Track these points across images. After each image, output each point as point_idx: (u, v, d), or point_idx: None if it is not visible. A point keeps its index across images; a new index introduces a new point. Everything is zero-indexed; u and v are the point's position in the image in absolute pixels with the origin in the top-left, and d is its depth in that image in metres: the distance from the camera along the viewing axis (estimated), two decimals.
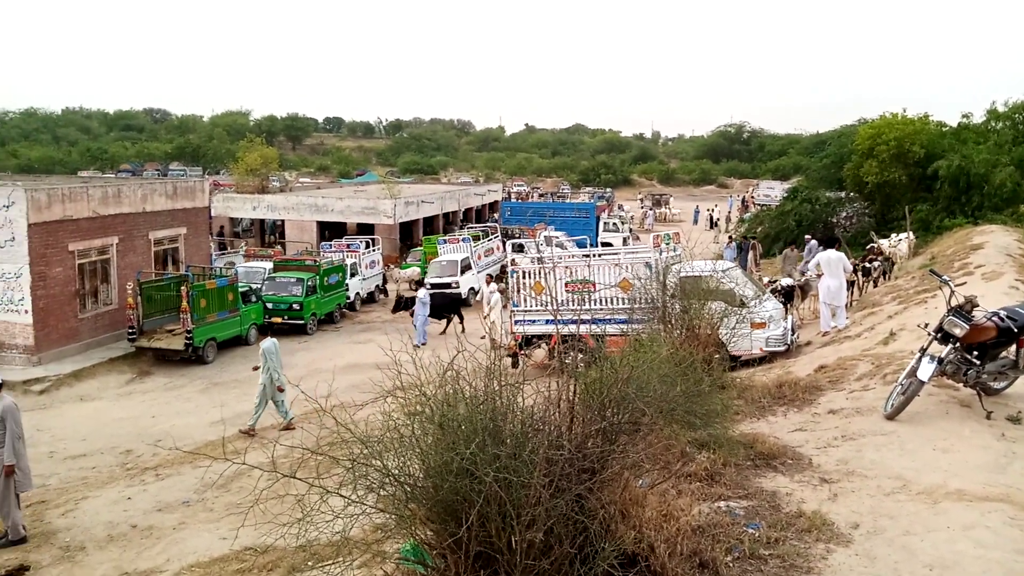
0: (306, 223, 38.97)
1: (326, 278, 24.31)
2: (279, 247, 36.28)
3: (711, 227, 51.25)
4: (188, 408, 16.21)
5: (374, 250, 30.66)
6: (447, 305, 23.12)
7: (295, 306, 22.95)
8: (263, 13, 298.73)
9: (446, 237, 33.01)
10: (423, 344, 19.88)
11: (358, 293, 27.65)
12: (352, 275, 27.04)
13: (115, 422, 15.45)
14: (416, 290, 22.67)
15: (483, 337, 19.89)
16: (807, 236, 24.34)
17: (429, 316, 21.98)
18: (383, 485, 4.34)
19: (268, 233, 42.96)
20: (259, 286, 23.12)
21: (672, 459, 6.09)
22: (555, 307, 10.83)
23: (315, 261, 25.35)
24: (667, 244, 17.59)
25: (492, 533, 3.86)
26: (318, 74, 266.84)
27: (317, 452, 4.07)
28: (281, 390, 14.16)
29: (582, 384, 4.88)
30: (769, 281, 18.95)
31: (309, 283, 23.37)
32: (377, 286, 29.70)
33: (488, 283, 22.47)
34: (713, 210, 56.87)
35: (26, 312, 18.35)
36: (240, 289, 21.27)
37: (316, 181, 68.81)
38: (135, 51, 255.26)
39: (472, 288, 27.46)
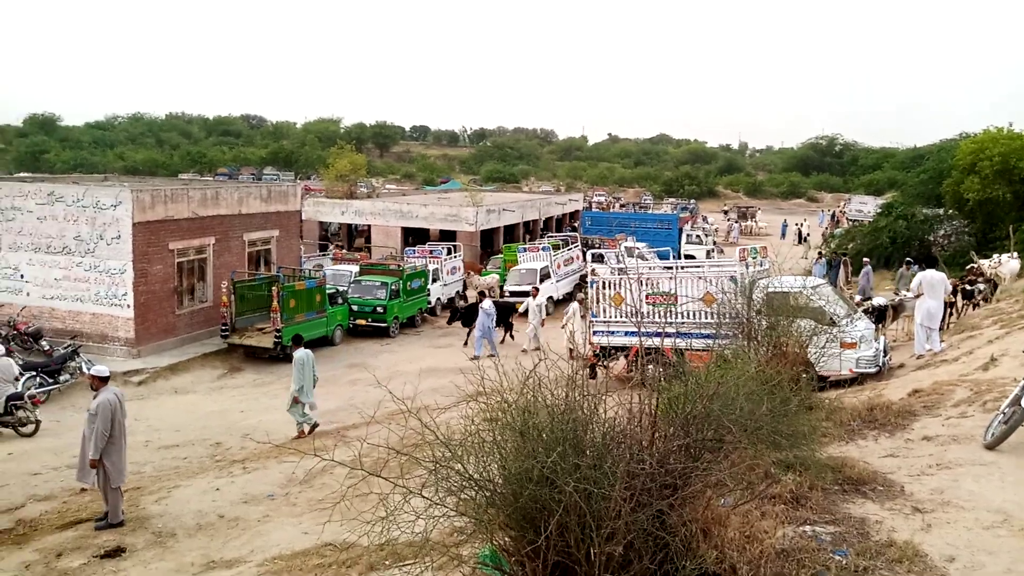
0: (391, 228, 39.84)
1: (409, 283, 24.80)
2: (365, 251, 37.21)
3: (799, 242, 49.76)
4: (275, 404, 16.75)
5: (455, 256, 31.09)
6: (501, 314, 22.57)
7: (379, 309, 23.49)
8: (355, 24, 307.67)
9: (526, 245, 33.16)
10: (490, 356, 19.71)
11: (439, 298, 28.08)
12: (434, 280, 27.50)
13: (207, 415, 16.14)
14: (480, 300, 22.14)
15: (536, 349, 19.79)
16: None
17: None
18: (463, 489, 4.40)
19: (354, 237, 44.14)
20: (345, 289, 23.79)
21: (756, 479, 5.94)
22: (637, 319, 10.73)
23: (399, 266, 25.90)
24: (754, 258, 17.22)
25: (571, 544, 3.86)
26: (406, 84, 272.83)
27: (401, 452, 4.15)
28: (297, 401, 14.21)
29: (665, 399, 4.84)
30: (862, 299, 18.27)
31: (393, 287, 23.90)
32: (457, 292, 30.10)
33: (534, 296, 22.36)
34: (802, 224, 55.23)
35: (128, 307, 19.39)
36: (327, 291, 21.92)
37: (401, 188, 70.33)
38: (235, 60, 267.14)
39: (550, 297, 27.50)
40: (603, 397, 4.70)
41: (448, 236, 38.16)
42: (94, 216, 19.30)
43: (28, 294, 20.19)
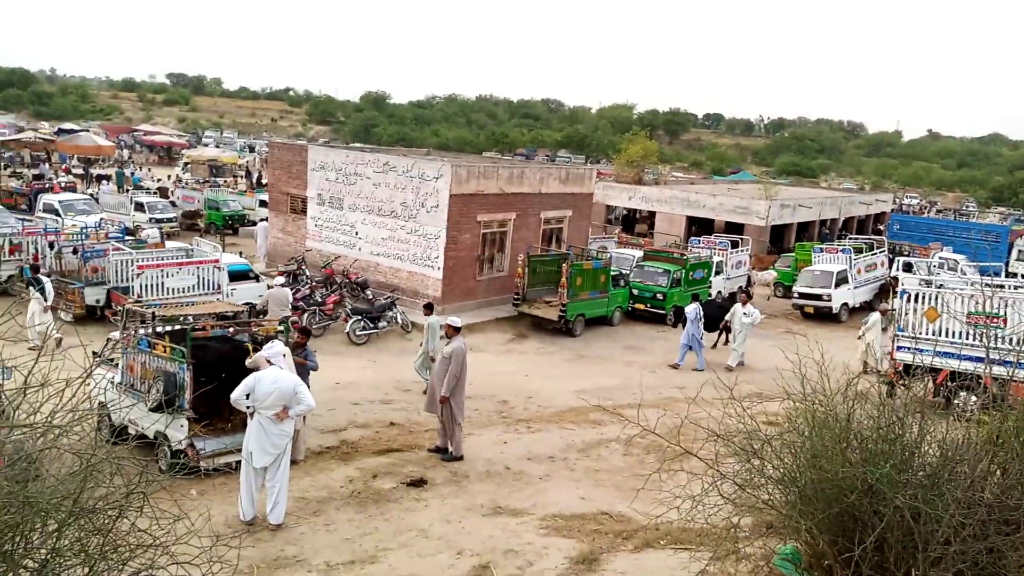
0: (676, 216, 39.58)
1: (691, 272, 24.55)
2: (649, 237, 37.42)
3: None
4: (555, 374, 17.68)
5: (742, 250, 30.09)
6: (718, 318, 20.23)
7: (659, 296, 23.57)
8: (652, 10, 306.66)
9: (823, 246, 31.06)
10: (695, 369, 18.34)
11: (720, 291, 27.43)
12: (717, 273, 26.91)
13: (495, 374, 17.46)
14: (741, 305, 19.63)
15: (739, 365, 18.07)
16: None
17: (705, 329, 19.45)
18: (765, 485, 4.40)
19: (635, 223, 44.55)
20: (628, 272, 24.20)
21: None
22: (958, 339, 9.66)
23: (683, 255, 25.73)
24: None
25: (890, 560, 3.70)
26: (703, 70, 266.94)
27: (720, 437, 4.24)
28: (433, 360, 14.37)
29: (1004, 429, 4.39)
30: None
31: (675, 275, 23.83)
32: (740, 287, 29.12)
33: (744, 303, 19.03)
34: None
35: (438, 269, 21.54)
36: (611, 273, 22.49)
37: (688, 176, 69.38)
38: (541, 46, 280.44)
39: (845, 304, 25.60)
40: (931, 417, 4.39)
41: (735, 229, 36.98)
42: (418, 186, 21.66)
43: (360, 249, 23.31)
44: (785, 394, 4.41)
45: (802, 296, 25.86)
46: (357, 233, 23.33)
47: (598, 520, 9.11)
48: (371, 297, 21.38)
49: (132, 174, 44.50)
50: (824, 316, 25.33)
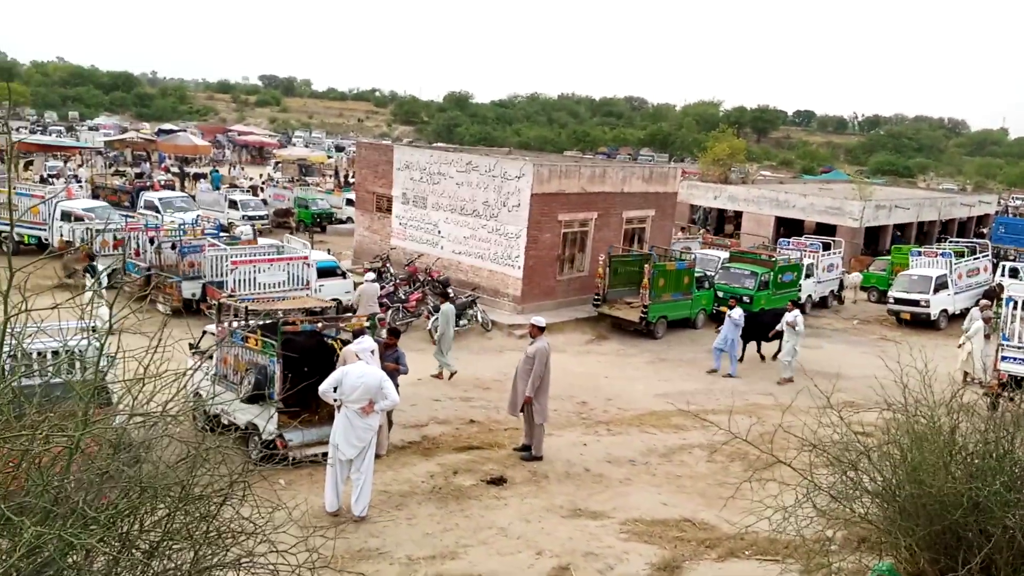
0: (763, 217, 38.52)
1: (780, 275, 23.84)
2: (736, 238, 36.58)
3: None
4: (636, 376, 17.48)
5: (834, 253, 29.04)
6: (770, 326, 18.76)
7: (745, 299, 22.97)
8: (739, 5, 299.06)
9: (922, 249, 29.66)
10: (727, 375, 17.68)
11: (810, 296, 26.56)
12: (807, 276, 26.06)
13: (574, 375, 17.39)
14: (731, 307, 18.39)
15: (788, 380, 16.85)
16: None
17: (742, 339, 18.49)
18: (860, 497, 4.22)
19: (723, 223, 43.59)
20: (712, 274, 23.70)
21: None
22: None
23: (771, 256, 25.01)
24: None
25: None
26: (793, 66, 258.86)
27: (816, 447, 4.10)
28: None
29: None
30: None
31: (762, 278, 23.20)
32: (832, 291, 28.15)
33: (790, 310, 17.74)
34: None
35: (519, 268, 21.62)
36: (695, 274, 22.07)
37: (777, 175, 67.45)
38: (622, 43, 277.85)
39: (944, 311, 24.38)
40: None
41: (827, 230, 35.73)
42: (500, 185, 21.79)
43: (442, 247, 23.63)
44: (885, 404, 4.22)
45: (898, 301, 24.76)
46: (440, 232, 23.66)
47: (680, 527, 8.96)
48: (452, 295, 21.63)
49: (213, 172, 46.37)
50: (921, 323, 24.18)
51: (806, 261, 26.40)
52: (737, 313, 17.70)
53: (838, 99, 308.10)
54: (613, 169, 24.35)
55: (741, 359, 18.63)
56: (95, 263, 18.40)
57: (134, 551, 3.30)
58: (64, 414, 3.63)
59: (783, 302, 24.29)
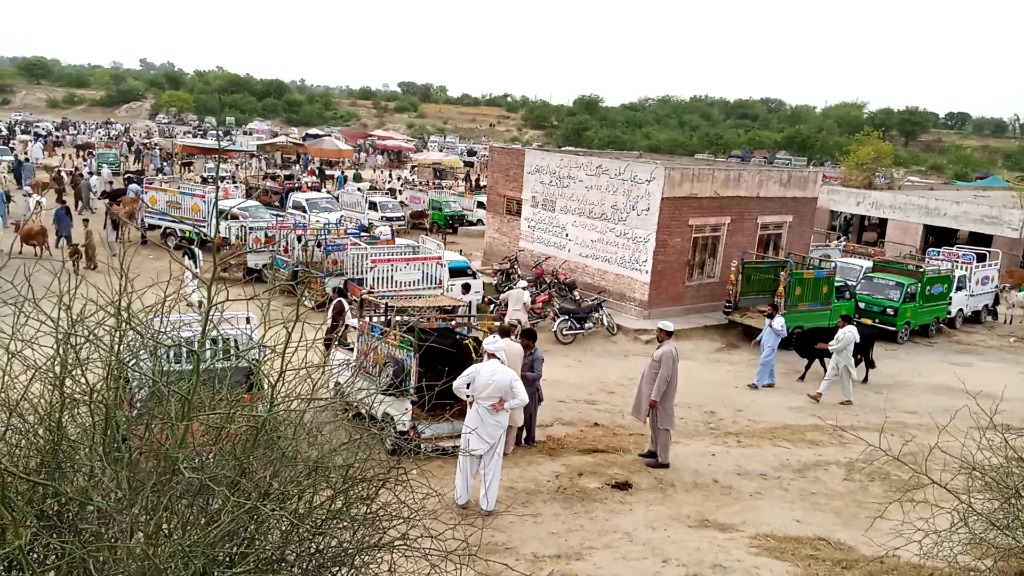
0: (910, 225, 36.24)
1: (929, 287, 22.38)
2: (879, 246, 34.62)
3: None
4: (768, 387, 16.89)
5: (989, 264, 26.91)
6: (812, 343, 17.52)
7: (889, 311, 21.75)
8: (888, 2, 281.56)
9: None
10: (767, 385, 16.70)
11: (961, 310, 24.76)
12: (958, 288, 24.30)
13: (702, 383, 17.01)
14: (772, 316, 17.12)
15: (847, 402, 15.39)
16: None
17: (799, 354, 17.61)
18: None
19: (864, 230, 41.33)
20: (854, 284, 22.56)
21: None
22: None
23: (919, 267, 23.50)
24: None
25: None
26: (945, 65, 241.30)
27: (975, 469, 3.88)
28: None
29: None
30: None
31: (909, 289, 21.85)
32: (986, 306, 26.12)
33: (841, 326, 16.01)
34: None
35: (646, 272, 21.38)
36: (835, 284, 21.08)
37: (926, 181, 63.15)
38: (761, 43, 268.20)
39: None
40: None
41: (981, 240, 33.16)
42: (630, 189, 21.63)
43: (569, 251, 23.73)
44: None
45: None
46: (567, 235, 23.77)
47: (815, 545, 8.62)
48: (578, 298, 21.71)
49: (340, 175, 48.61)
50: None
51: (958, 273, 24.65)
52: (779, 323, 16.71)
53: (997, 101, 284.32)
54: (748, 173, 23.65)
55: (803, 378, 17.47)
56: (194, 247, 20.06)
57: (302, 527, 3.59)
58: (236, 397, 3.99)
59: (931, 316, 22.86)
